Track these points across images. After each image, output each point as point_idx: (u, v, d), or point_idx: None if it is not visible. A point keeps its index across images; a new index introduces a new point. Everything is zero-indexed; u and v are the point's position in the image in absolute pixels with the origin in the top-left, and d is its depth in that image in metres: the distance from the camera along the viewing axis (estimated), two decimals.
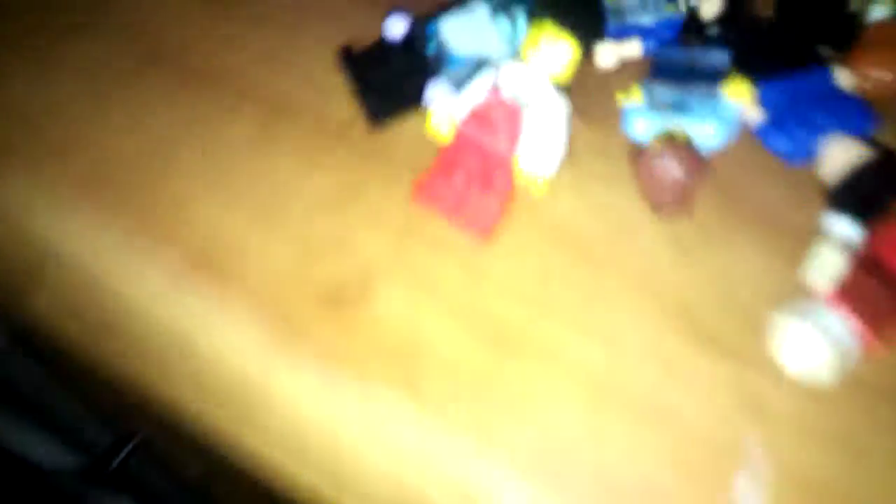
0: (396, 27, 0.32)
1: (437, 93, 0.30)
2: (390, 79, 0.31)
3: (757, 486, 0.23)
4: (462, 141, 0.27)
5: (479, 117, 0.28)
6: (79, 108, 0.32)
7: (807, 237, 0.28)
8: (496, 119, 0.27)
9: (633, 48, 0.33)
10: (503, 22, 0.31)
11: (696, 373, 0.26)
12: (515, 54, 0.31)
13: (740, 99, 0.30)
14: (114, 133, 0.32)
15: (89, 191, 0.30)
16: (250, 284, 0.28)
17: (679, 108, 0.30)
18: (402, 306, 0.27)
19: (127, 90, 0.33)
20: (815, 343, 0.24)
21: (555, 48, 0.28)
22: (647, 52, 0.33)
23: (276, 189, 0.30)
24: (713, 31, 0.34)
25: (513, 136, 0.28)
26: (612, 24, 0.34)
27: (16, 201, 0.30)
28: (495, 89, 0.28)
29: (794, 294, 0.27)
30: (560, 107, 0.28)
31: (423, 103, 0.31)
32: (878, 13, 0.33)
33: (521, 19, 0.31)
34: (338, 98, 0.33)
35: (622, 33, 0.34)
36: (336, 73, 0.33)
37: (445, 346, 0.26)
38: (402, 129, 0.31)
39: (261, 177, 0.30)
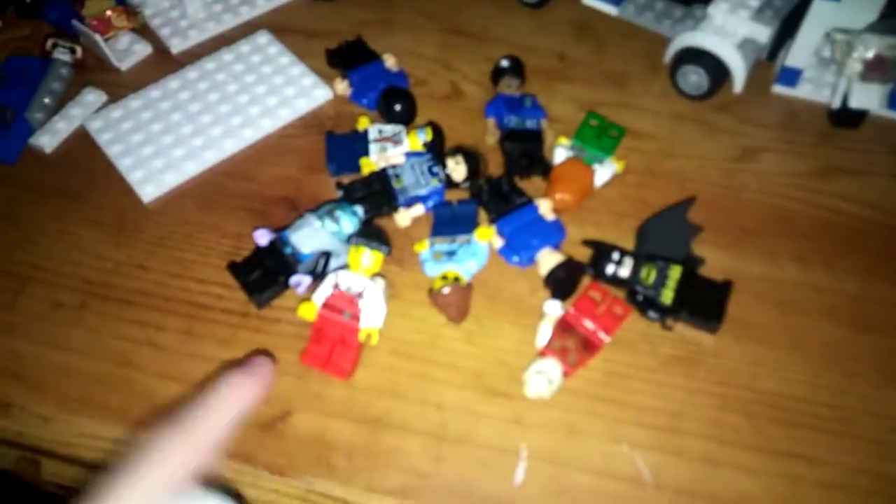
0: (262, 238, 0.49)
1: (297, 281, 0.48)
2: (265, 275, 0.48)
3: (524, 468, 0.42)
4: (323, 321, 0.45)
5: (331, 305, 0.45)
6: None
7: (540, 314, 0.47)
8: (341, 304, 0.45)
9: (418, 209, 0.52)
10: (330, 224, 0.49)
11: (489, 413, 0.44)
12: (344, 243, 0.49)
13: (487, 239, 0.49)
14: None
15: None
16: None
17: (450, 255, 0.48)
18: (311, 422, 0.44)
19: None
20: (540, 380, 0.43)
21: (367, 259, 0.46)
22: (427, 209, 0.52)
23: (209, 365, 0.46)
24: (465, 185, 0.53)
25: (354, 313, 0.45)
26: (401, 198, 0.52)
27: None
28: (336, 286, 0.45)
29: (534, 352, 0.46)
30: (376, 288, 0.46)
31: (290, 286, 0.48)
32: (559, 155, 0.54)
33: (344, 218, 0.49)
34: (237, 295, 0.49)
35: (409, 203, 0.52)
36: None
37: (341, 435, 0.44)
38: (282, 313, 0.49)
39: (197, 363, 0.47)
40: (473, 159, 0.53)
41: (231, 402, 0.34)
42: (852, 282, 0.49)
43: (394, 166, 0.53)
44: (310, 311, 0.46)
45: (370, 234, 0.48)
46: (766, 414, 0.43)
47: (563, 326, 0.46)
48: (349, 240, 0.49)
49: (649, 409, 0.44)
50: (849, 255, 0.50)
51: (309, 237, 0.49)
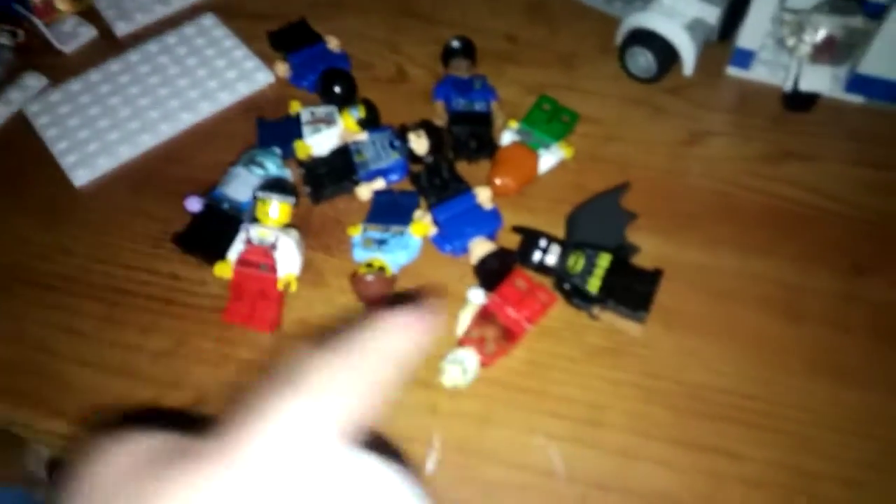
0: (195, 204, 0.49)
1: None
2: (213, 235, 0.47)
3: (435, 458, 0.41)
4: (240, 276, 0.45)
5: (245, 260, 0.45)
6: None
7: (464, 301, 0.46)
8: (256, 258, 0.45)
9: (379, 183, 0.51)
10: (257, 169, 0.49)
11: (404, 401, 0.43)
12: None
13: (422, 234, 0.48)
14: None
15: None
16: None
17: (381, 244, 0.47)
18: None
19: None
20: (454, 369, 0.42)
21: (275, 210, 0.46)
22: (389, 182, 0.51)
23: (127, 352, 0.46)
24: (428, 160, 0.51)
25: (270, 264, 0.45)
26: (361, 172, 0.51)
27: None
28: (248, 241, 0.45)
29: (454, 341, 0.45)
30: (288, 237, 0.45)
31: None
32: (506, 138, 0.53)
33: (266, 160, 0.49)
34: (161, 263, 0.49)
35: (370, 176, 0.51)
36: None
37: None
38: (208, 300, 0.48)
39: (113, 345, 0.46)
40: (436, 133, 0.51)
41: (399, 345, 0.23)
42: (791, 270, 0.47)
43: (356, 142, 0.52)
44: (226, 269, 0.45)
45: (274, 185, 0.47)
46: (691, 407, 0.42)
47: (484, 315, 0.44)
48: (255, 194, 0.48)
49: (569, 400, 0.43)
50: (791, 243, 0.48)
51: (243, 186, 0.49)
